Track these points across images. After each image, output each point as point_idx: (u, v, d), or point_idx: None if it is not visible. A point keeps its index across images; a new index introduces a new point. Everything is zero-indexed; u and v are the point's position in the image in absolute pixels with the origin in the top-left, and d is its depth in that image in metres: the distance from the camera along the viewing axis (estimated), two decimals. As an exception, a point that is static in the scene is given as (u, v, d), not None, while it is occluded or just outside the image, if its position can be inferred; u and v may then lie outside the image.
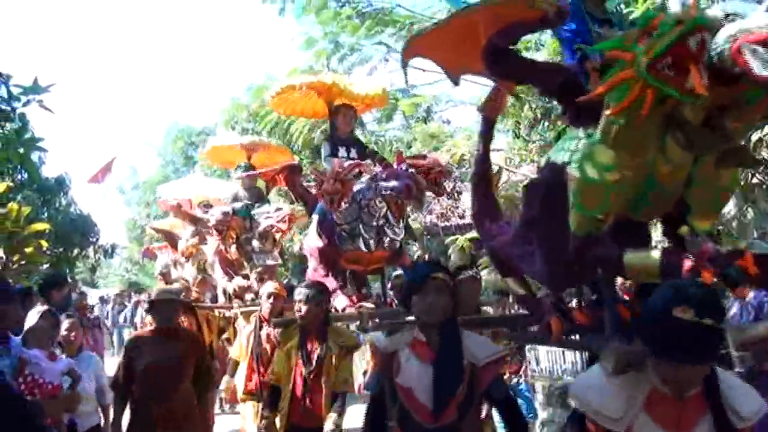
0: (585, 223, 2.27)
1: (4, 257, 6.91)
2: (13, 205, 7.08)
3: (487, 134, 3.17)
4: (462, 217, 14.51)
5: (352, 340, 4.12)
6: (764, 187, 7.48)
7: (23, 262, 7.57)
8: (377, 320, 4.32)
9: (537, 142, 11.72)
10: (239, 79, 59.97)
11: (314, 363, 3.84)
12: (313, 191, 5.00)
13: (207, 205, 7.46)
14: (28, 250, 7.13)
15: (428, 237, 12.81)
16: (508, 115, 11.47)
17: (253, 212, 6.61)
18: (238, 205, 6.64)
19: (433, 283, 2.48)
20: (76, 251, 13.76)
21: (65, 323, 4.27)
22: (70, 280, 14.51)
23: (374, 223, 4.53)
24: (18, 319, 3.33)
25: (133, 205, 31.06)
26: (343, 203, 4.36)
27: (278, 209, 6.67)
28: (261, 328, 5.06)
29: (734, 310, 5.69)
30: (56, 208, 13.17)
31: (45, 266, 10.96)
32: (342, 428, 3.87)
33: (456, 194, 11.95)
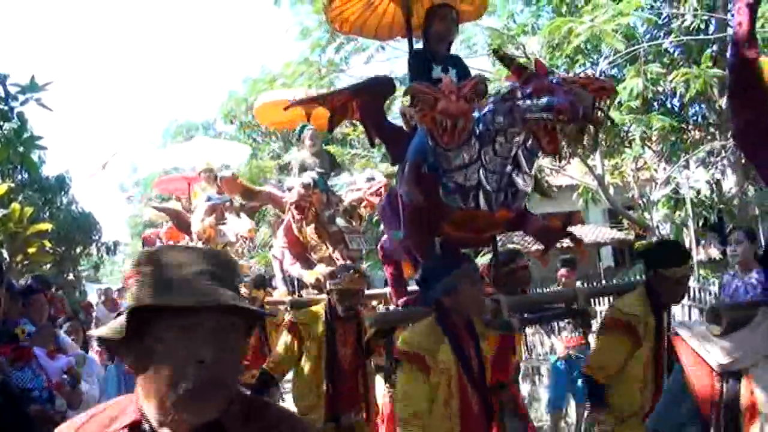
0: None
1: (8, 258, 6.94)
2: (15, 206, 7.12)
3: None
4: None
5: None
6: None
7: (26, 262, 7.62)
8: (524, 312, 3.29)
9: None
10: (236, 72, 60.03)
11: (476, 365, 2.73)
12: (404, 125, 3.51)
13: (209, 170, 6.89)
14: (32, 250, 7.17)
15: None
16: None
17: (330, 183, 5.46)
18: (315, 175, 5.31)
19: None
20: (78, 249, 13.82)
21: None
22: (73, 278, 14.64)
23: (503, 168, 2.99)
24: (6, 309, 3.26)
25: (135, 202, 31.07)
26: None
27: (370, 179, 5.37)
28: (334, 329, 3.70)
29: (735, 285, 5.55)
30: (58, 207, 13.21)
31: (48, 266, 11.04)
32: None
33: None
